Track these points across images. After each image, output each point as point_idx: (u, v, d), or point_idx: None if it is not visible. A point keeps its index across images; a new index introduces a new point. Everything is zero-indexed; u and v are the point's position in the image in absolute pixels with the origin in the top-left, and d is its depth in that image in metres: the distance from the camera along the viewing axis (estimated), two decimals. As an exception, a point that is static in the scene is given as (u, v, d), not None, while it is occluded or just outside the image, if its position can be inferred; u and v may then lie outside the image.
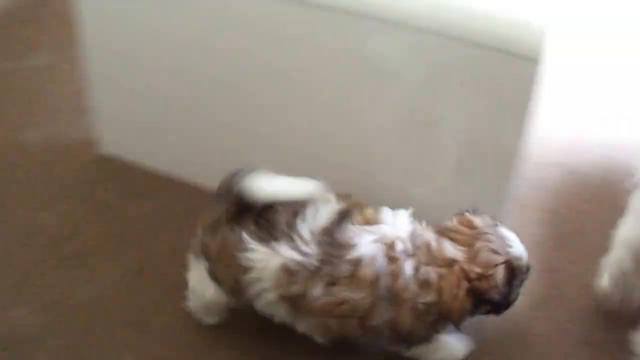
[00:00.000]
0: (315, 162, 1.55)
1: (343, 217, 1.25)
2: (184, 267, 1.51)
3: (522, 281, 1.29)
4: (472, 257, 1.23)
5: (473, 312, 1.26)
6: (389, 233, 1.25)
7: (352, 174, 1.52)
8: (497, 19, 1.29)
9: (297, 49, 1.43)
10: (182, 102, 1.62)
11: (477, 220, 1.29)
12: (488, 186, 1.45)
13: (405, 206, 1.33)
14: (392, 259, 1.22)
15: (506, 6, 1.30)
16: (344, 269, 1.21)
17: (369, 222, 1.26)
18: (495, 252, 1.24)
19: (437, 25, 1.30)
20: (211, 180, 1.67)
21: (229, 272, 1.28)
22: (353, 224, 1.25)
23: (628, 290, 1.45)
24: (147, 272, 1.55)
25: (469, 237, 1.26)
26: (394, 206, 1.31)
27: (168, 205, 1.69)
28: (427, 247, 1.24)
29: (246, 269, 1.24)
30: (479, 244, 1.25)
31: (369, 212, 1.29)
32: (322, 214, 1.24)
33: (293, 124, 1.55)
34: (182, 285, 1.48)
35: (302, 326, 1.30)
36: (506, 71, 1.30)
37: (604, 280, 1.48)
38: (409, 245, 1.24)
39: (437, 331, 1.30)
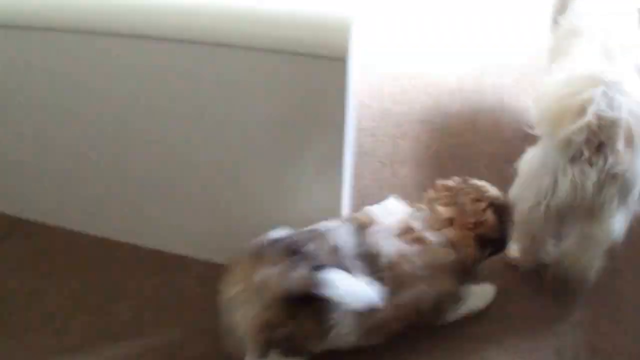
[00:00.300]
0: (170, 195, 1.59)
1: (362, 230, 1.33)
2: (43, 307, 1.56)
3: (509, 217, 1.45)
4: (462, 212, 1.40)
5: (482, 256, 1.42)
6: (397, 222, 1.36)
7: (193, 195, 1.57)
8: (297, 22, 1.24)
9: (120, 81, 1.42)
10: (24, 143, 1.62)
11: (450, 182, 1.47)
12: (325, 187, 1.48)
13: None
14: (417, 240, 1.34)
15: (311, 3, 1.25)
16: (386, 275, 1.29)
17: (367, 224, 1.35)
18: (477, 200, 1.42)
19: (233, 38, 1.27)
20: (59, 219, 1.72)
21: (314, 338, 1.27)
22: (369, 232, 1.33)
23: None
24: (6, 315, 1.57)
25: (451, 197, 1.43)
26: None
27: (21, 246, 1.71)
28: (429, 218, 1.39)
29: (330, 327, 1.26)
30: (460, 200, 1.42)
31: (363, 217, 1.38)
32: (342, 236, 1.31)
33: (137, 161, 1.56)
34: (40, 325, 1.52)
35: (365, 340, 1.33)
36: (316, 74, 1.28)
37: (514, 249, 1.60)
38: (420, 221, 1.37)
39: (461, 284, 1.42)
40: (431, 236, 1.35)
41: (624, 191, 1.36)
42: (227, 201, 1.55)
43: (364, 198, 1.72)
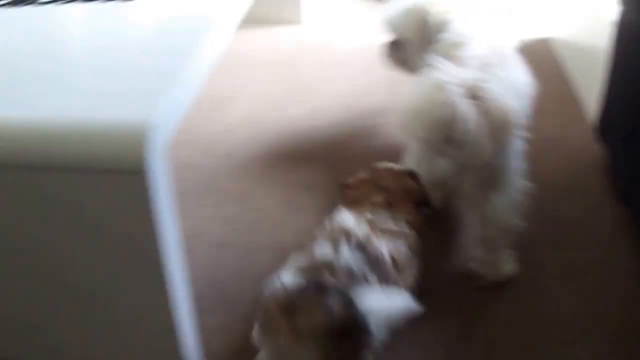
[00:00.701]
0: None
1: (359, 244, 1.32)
2: None
3: (421, 179, 1.52)
4: (392, 193, 1.44)
5: (421, 220, 1.46)
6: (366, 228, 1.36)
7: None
8: (80, 133, 1.08)
9: None
10: None
11: (360, 176, 1.50)
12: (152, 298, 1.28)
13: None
14: (392, 234, 1.37)
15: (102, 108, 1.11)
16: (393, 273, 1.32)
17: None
18: (396, 177, 1.49)
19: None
20: None
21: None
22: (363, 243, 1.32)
23: None
24: None
25: (373, 186, 1.46)
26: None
27: None
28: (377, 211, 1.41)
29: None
30: (383, 183, 1.45)
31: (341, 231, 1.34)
32: (348, 256, 1.28)
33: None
34: None
35: None
36: (116, 191, 1.11)
37: None
38: (378, 220, 1.39)
39: None
40: (394, 225, 1.39)
41: (491, 179, 1.51)
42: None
43: (222, 291, 1.62)
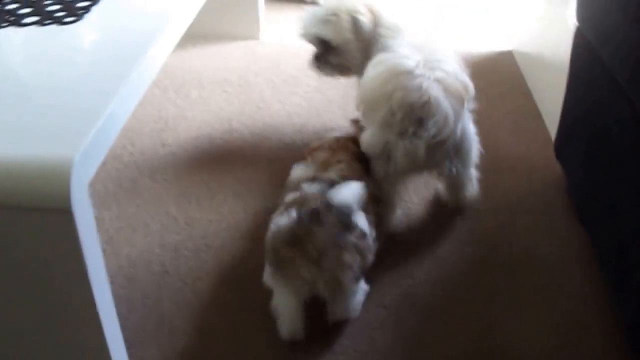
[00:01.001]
0: None
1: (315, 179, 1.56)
2: None
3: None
4: (332, 149, 1.68)
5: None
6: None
7: None
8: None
9: None
10: None
11: (313, 145, 1.75)
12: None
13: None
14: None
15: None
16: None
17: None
18: (338, 140, 1.72)
19: None
20: None
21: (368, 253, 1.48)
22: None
23: None
24: None
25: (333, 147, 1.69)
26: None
27: None
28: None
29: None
30: (327, 145, 1.70)
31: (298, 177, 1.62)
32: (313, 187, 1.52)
33: None
34: None
35: None
36: (41, 230, 1.05)
37: None
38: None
39: None
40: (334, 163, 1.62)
41: (457, 151, 1.62)
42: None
43: (164, 321, 1.54)
